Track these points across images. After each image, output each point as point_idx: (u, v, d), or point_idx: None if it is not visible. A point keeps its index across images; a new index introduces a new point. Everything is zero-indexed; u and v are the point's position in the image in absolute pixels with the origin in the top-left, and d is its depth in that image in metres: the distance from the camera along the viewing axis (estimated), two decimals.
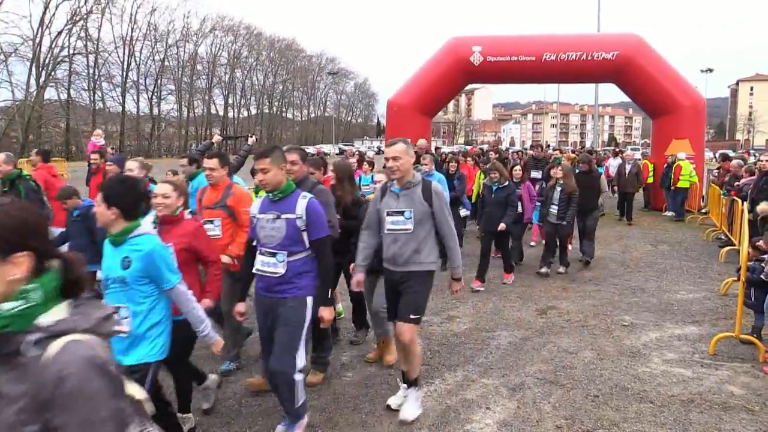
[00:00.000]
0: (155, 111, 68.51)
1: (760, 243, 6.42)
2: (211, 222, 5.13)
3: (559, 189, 9.26)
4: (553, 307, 7.57)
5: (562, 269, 9.43)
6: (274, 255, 3.93)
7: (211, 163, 5.23)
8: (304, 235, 3.93)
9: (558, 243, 9.60)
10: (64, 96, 55.00)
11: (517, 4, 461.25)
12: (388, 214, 4.39)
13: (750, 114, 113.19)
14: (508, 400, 4.86)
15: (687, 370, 5.48)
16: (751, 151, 43.55)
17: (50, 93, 54.04)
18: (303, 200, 3.94)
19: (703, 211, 16.20)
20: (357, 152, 19.57)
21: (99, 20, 57.74)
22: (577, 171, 10.21)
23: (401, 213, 4.34)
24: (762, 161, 10.23)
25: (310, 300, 3.99)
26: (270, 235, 3.93)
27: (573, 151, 24.87)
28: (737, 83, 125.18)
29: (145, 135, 66.64)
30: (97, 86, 59.64)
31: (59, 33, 52.36)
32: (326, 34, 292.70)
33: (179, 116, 72.34)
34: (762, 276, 5.77)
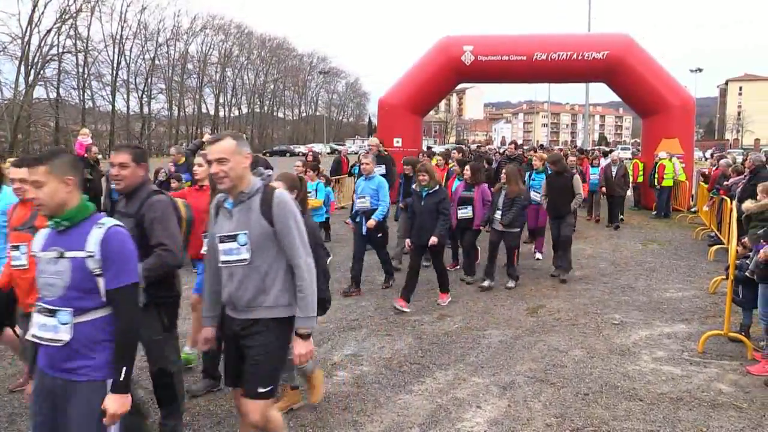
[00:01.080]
0: (145, 110, 68.16)
1: (745, 241, 6.48)
2: (17, 248, 4.08)
3: (504, 193, 8.37)
4: (543, 305, 7.60)
5: (511, 284, 8.41)
6: (53, 314, 2.68)
7: (20, 173, 4.09)
8: (100, 283, 2.71)
9: (510, 252, 8.50)
10: (53, 95, 54.55)
11: (508, 4, 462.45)
12: (220, 241, 3.22)
13: (739, 114, 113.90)
14: (499, 398, 4.87)
15: (676, 368, 5.52)
16: (737, 152, 43.80)
17: (39, 92, 53.55)
18: (98, 230, 2.72)
19: (692, 209, 16.30)
20: (309, 152, 18.38)
21: (88, 18, 57.30)
22: (549, 172, 9.44)
23: (234, 238, 3.17)
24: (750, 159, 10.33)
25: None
26: (49, 283, 2.70)
27: (561, 150, 24.74)
28: (726, 83, 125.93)
29: (135, 134, 66.25)
30: (86, 85, 59.26)
31: (48, 31, 51.88)
32: (317, 33, 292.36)
33: (170, 115, 72.03)
34: (746, 273, 5.81)
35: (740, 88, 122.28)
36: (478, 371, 5.44)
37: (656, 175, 15.65)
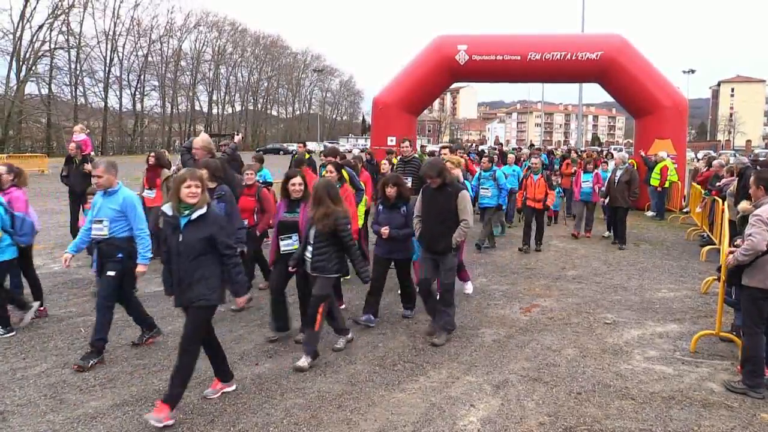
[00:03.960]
0: (138, 107, 67.95)
1: (738, 242, 6.50)
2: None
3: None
4: (536, 305, 7.62)
5: (340, 344, 5.99)
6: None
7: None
8: None
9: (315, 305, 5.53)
10: (45, 91, 54.23)
11: (502, 3, 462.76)
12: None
13: (731, 115, 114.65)
14: (492, 397, 4.88)
15: (668, 368, 5.55)
16: (729, 153, 44.06)
17: (31, 88, 53.29)
18: None
19: (685, 210, 16.39)
20: (234, 137, 10.73)
21: (81, 14, 57.18)
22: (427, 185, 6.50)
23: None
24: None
25: None
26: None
27: (549, 149, 24.40)
28: (719, 84, 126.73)
29: (127, 131, 66.02)
30: (78, 81, 58.96)
31: (40, 27, 51.66)
32: (312, 31, 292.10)
33: (162, 112, 71.78)
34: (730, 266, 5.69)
35: (732, 90, 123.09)
36: (471, 370, 5.45)
37: (659, 177, 15.72)
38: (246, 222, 7.64)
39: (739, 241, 5.59)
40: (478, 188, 11.20)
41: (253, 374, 5.29)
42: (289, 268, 5.80)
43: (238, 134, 10.29)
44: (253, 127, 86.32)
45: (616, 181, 11.86)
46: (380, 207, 6.75)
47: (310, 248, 5.55)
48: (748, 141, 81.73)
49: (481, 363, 5.62)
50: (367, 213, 9.14)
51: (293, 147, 59.66)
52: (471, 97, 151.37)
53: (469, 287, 8.12)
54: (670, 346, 6.13)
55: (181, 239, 4.39)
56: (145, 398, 4.73)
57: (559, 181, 15.30)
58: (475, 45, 17.67)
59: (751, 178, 5.48)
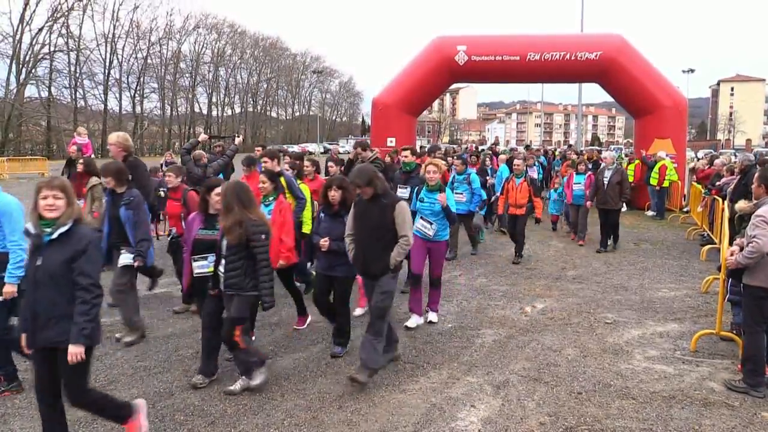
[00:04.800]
0: (138, 109, 67.94)
1: (738, 241, 6.49)
2: None
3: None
4: (536, 305, 7.62)
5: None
6: None
7: None
8: None
9: (227, 338, 4.95)
10: (45, 94, 54.22)
11: (501, 4, 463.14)
12: None
13: (731, 114, 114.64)
14: (493, 397, 4.89)
15: (669, 367, 5.55)
16: (729, 152, 44.07)
17: (31, 91, 53.27)
18: None
19: (685, 210, 16.39)
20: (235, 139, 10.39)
21: (80, 17, 57.09)
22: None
23: None
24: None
25: None
26: None
27: (538, 148, 23.17)
28: (718, 84, 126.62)
29: (127, 133, 65.92)
30: (78, 84, 58.93)
31: (40, 30, 51.61)
32: (311, 32, 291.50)
33: (162, 115, 71.78)
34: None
35: (732, 89, 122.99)
36: (471, 370, 5.45)
37: (658, 176, 15.74)
38: (174, 230, 7.23)
39: (738, 240, 5.59)
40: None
41: None
42: (210, 292, 5.04)
43: (238, 136, 10.27)
44: (252, 128, 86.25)
45: (606, 182, 11.18)
46: (321, 214, 5.94)
47: (223, 262, 4.86)
48: (748, 140, 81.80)
49: (481, 363, 5.62)
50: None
51: (294, 149, 59.65)
52: (471, 97, 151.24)
53: (432, 316, 6.87)
54: (671, 346, 6.13)
55: (39, 263, 3.58)
56: (145, 400, 4.72)
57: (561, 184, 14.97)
58: (474, 45, 17.68)
59: (755, 176, 5.48)
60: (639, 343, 6.20)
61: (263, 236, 4.79)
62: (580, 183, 12.00)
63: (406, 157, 8.61)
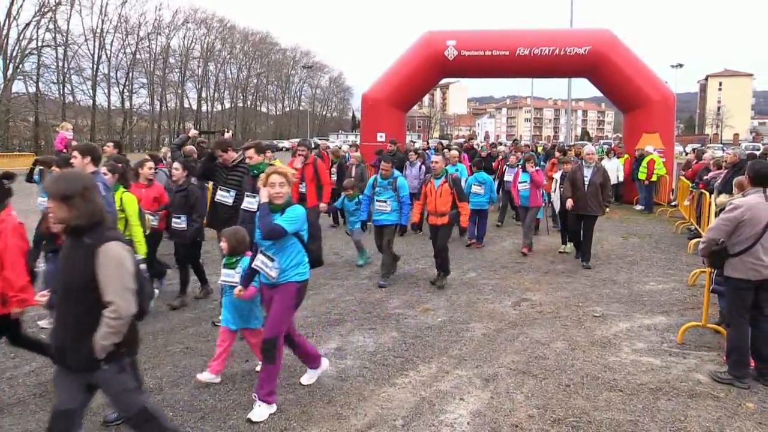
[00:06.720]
0: (127, 105, 67.41)
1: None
2: None
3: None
4: (526, 299, 7.67)
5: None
6: None
7: None
8: None
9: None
10: (32, 89, 53.63)
11: None
12: None
13: (719, 109, 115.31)
14: (482, 390, 4.92)
15: (656, 359, 5.61)
16: (717, 146, 44.40)
17: (18, 86, 52.63)
18: None
19: (673, 203, 16.51)
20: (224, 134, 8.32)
21: (68, 12, 56.35)
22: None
23: None
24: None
25: None
26: None
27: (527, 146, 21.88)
28: (706, 78, 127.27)
29: (116, 129, 65.50)
30: (66, 79, 58.33)
31: (27, 25, 50.98)
32: (301, 27, 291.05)
33: (152, 110, 71.30)
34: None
35: (720, 84, 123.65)
36: (461, 364, 5.48)
37: (646, 170, 15.85)
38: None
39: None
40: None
41: (242, 370, 5.30)
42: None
43: (228, 131, 10.22)
44: (242, 124, 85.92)
45: (587, 182, 9.26)
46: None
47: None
48: (736, 134, 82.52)
49: (470, 357, 5.66)
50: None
51: (285, 144, 59.46)
52: (461, 92, 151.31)
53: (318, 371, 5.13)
54: (658, 338, 6.19)
55: None
56: None
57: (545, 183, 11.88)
58: (463, 40, 17.69)
59: (736, 181, 5.56)
60: (627, 336, 6.26)
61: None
62: (525, 182, 10.58)
63: (251, 158, 6.49)
